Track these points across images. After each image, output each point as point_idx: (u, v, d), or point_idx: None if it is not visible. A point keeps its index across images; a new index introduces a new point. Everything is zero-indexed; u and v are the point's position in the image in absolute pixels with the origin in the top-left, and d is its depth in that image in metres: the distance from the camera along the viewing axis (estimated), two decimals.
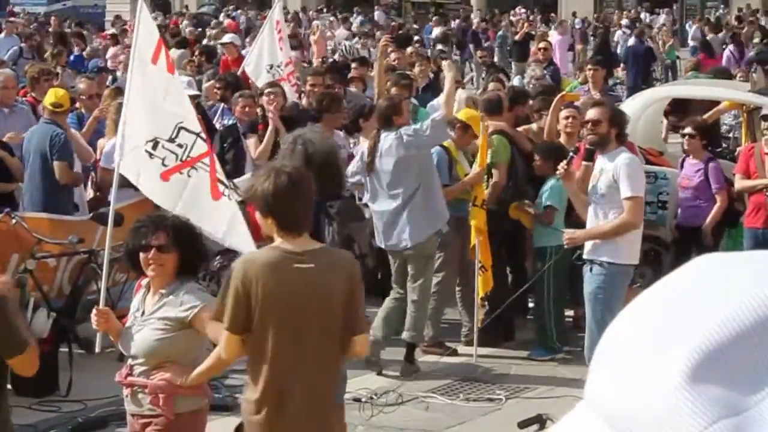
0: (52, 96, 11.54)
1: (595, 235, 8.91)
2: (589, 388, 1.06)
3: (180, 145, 8.03)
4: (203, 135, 8.10)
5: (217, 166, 8.07)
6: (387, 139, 10.01)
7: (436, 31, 34.86)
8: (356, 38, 27.46)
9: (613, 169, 8.74)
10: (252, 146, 11.95)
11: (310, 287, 5.71)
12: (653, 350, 1.00)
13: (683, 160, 11.81)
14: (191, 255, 6.25)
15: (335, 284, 5.76)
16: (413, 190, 9.98)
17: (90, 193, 12.35)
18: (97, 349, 8.28)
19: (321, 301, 5.74)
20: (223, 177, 8.07)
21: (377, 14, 41.40)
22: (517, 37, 30.89)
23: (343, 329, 5.80)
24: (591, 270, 8.87)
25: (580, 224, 9.48)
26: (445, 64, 11.90)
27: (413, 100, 13.47)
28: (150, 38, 8.34)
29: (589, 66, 15.70)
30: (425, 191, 10.01)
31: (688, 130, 11.83)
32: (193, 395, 6.15)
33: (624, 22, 38.71)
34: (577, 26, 37.77)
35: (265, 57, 15.51)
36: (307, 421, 5.75)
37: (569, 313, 11.21)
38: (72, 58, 23.47)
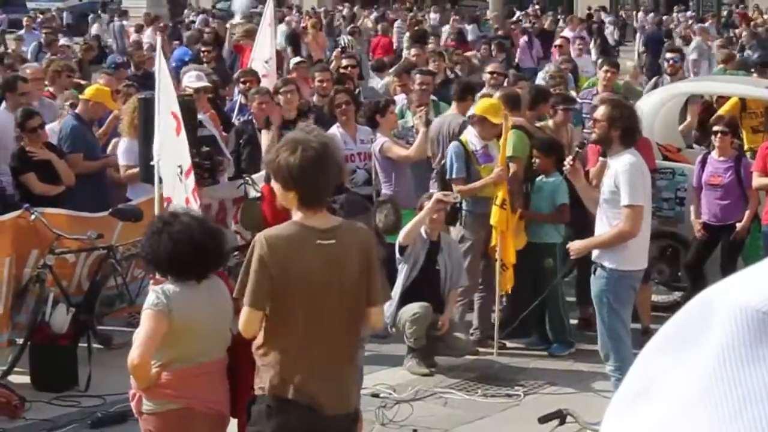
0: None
1: (595, 245, 8.76)
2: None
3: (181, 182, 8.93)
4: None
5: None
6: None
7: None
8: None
9: (614, 174, 8.61)
10: (265, 140, 11.92)
11: (333, 264, 5.67)
12: None
13: (704, 157, 11.68)
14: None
15: (356, 259, 5.73)
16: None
17: None
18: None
19: (343, 277, 5.70)
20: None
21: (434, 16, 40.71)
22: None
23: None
24: (595, 273, 8.78)
25: (584, 221, 9.55)
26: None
27: (432, 96, 13.52)
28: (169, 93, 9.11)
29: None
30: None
31: (719, 127, 11.73)
32: (152, 398, 6.04)
33: (641, 15, 39.26)
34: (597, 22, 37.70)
35: (266, 52, 15.51)
36: (326, 400, 5.66)
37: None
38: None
